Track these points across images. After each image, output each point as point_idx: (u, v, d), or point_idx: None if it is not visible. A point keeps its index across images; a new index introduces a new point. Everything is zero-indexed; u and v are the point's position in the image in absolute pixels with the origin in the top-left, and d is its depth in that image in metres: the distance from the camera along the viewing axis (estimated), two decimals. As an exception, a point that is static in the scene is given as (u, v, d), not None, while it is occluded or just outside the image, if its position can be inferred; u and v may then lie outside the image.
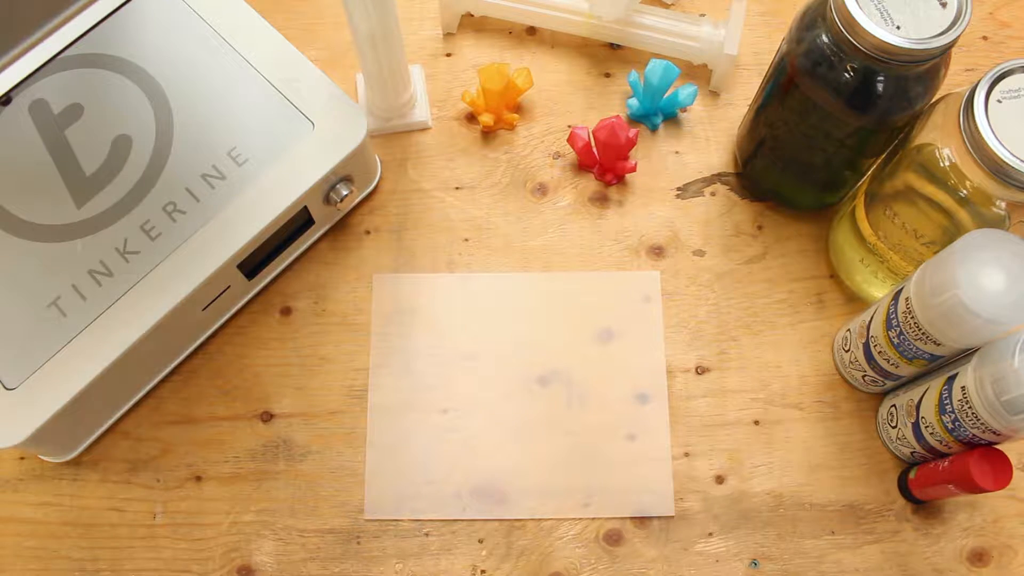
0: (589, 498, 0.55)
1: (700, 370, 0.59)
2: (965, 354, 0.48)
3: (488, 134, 0.66)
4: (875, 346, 0.52)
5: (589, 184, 0.64)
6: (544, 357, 0.58)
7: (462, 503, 0.55)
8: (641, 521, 0.55)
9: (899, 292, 0.50)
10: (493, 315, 0.60)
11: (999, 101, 0.45)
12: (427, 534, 0.55)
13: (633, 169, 0.63)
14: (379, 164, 0.64)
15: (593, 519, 0.55)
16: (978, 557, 0.54)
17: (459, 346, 0.59)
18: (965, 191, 0.46)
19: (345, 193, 0.58)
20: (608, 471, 0.56)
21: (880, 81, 0.48)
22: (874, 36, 0.45)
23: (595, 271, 0.61)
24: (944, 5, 0.46)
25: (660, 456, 0.56)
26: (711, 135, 0.66)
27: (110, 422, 0.57)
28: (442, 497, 0.55)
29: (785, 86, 0.53)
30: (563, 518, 0.55)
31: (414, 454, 0.56)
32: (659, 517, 0.55)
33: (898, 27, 0.46)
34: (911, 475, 0.54)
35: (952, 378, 0.48)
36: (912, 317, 0.48)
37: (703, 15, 0.68)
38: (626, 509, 0.55)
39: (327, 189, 0.58)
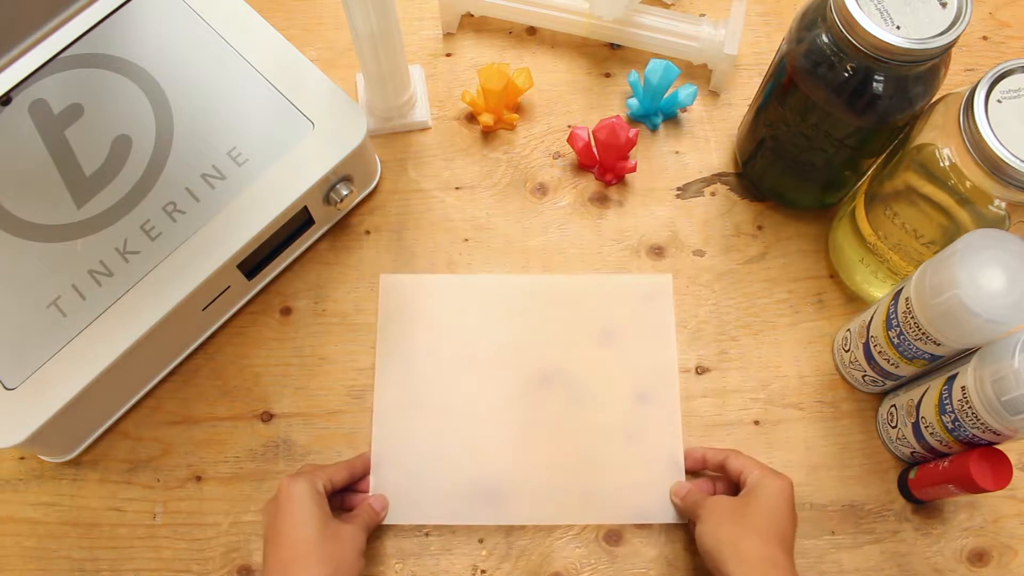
0: (590, 502, 0.55)
1: (700, 370, 0.59)
2: (965, 354, 0.48)
3: (488, 134, 0.66)
4: (875, 346, 0.52)
5: (589, 184, 0.64)
6: (548, 359, 0.58)
7: (462, 507, 0.54)
8: (641, 521, 0.55)
9: (899, 292, 0.50)
10: (498, 317, 0.59)
11: (999, 101, 0.45)
12: (427, 534, 0.55)
13: (633, 169, 0.63)
14: (379, 164, 0.64)
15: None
16: (978, 557, 0.54)
17: (464, 348, 0.58)
18: (965, 191, 0.46)
19: (345, 193, 0.58)
20: (610, 475, 0.55)
21: (880, 81, 0.48)
22: (874, 36, 0.45)
23: (602, 273, 0.61)
24: (944, 5, 0.46)
25: (666, 459, 0.55)
26: (711, 135, 0.66)
27: (110, 422, 0.57)
28: (443, 500, 0.55)
29: (785, 86, 0.53)
30: (561, 524, 0.55)
31: (415, 457, 0.56)
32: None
33: (898, 27, 0.46)
34: (911, 475, 0.54)
35: (952, 378, 0.48)
36: (912, 317, 0.48)
37: (703, 15, 0.68)
38: (626, 515, 0.55)
39: (327, 189, 0.58)
